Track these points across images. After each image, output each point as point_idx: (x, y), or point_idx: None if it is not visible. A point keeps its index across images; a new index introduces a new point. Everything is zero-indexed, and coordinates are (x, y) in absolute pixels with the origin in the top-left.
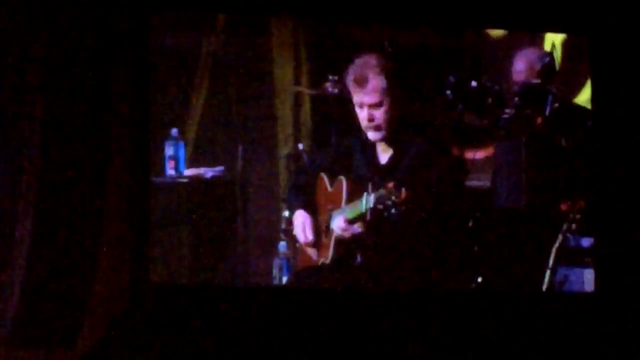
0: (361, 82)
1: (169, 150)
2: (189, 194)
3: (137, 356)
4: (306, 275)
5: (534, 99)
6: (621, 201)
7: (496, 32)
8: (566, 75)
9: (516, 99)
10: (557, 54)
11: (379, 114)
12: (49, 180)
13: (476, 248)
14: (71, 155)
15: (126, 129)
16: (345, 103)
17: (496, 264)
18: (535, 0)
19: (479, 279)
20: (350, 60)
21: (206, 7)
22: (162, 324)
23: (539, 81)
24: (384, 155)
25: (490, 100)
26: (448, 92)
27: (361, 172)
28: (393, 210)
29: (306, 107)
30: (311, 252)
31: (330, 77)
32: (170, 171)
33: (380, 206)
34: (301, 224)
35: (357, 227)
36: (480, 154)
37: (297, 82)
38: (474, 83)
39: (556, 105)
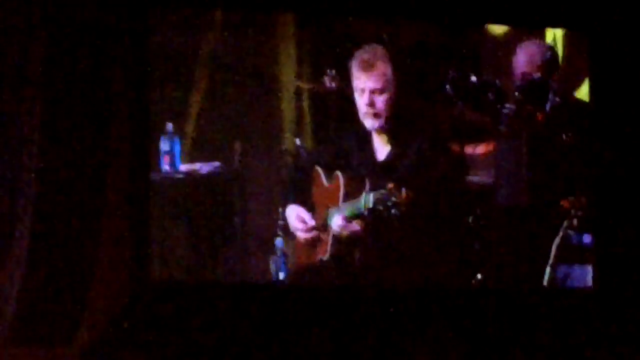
0: (367, 66)
1: (164, 146)
2: (185, 190)
3: (136, 354)
4: (304, 272)
5: (535, 94)
6: (620, 198)
7: (496, 31)
8: (568, 69)
9: (517, 94)
10: (559, 47)
11: (380, 101)
12: (49, 179)
13: (476, 245)
14: (71, 154)
15: (125, 127)
16: (343, 98)
17: (497, 261)
18: None
19: (479, 276)
20: (355, 47)
21: (204, 3)
22: (161, 322)
23: (540, 76)
24: (382, 150)
25: (490, 95)
26: (448, 87)
27: (358, 167)
28: (393, 211)
29: (304, 102)
30: (309, 245)
31: (329, 72)
32: (166, 166)
33: (380, 206)
34: (296, 215)
35: (356, 225)
36: (480, 150)
37: (295, 76)
38: (474, 78)
39: (557, 100)
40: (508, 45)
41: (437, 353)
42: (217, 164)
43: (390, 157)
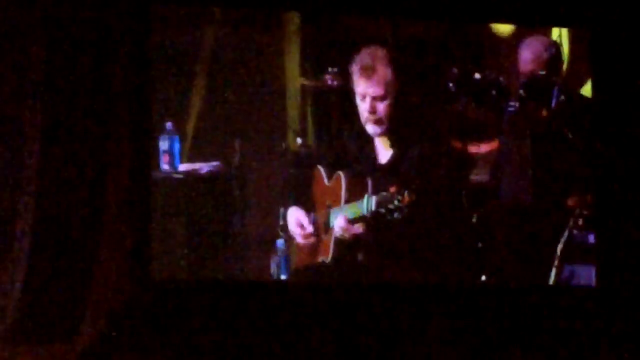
0: (368, 72)
1: (163, 145)
2: (184, 190)
3: (136, 352)
4: (305, 273)
5: (540, 91)
6: (622, 197)
7: (500, 28)
8: (573, 65)
9: (521, 91)
10: (564, 44)
11: (382, 107)
12: (50, 178)
13: (480, 245)
14: (71, 153)
15: (126, 126)
16: (345, 96)
17: (501, 261)
18: None
19: (483, 277)
20: (355, 50)
21: (205, 1)
22: (162, 320)
23: (544, 72)
24: (384, 153)
25: (494, 92)
26: (451, 84)
27: (360, 168)
28: (395, 215)
29: (305, 100)
30: (310, 248)
31: (330, 69)
32: (165, 166)
33: (382, 210)
34: (295, 219)
35: (358, 227)
36: (484, 148)
37: (296, 75)
38: (477, 75)
39: (562, 97)
40: (512, 42)
41: (441, 354)
42: (216, 163)
43: (393, 160)
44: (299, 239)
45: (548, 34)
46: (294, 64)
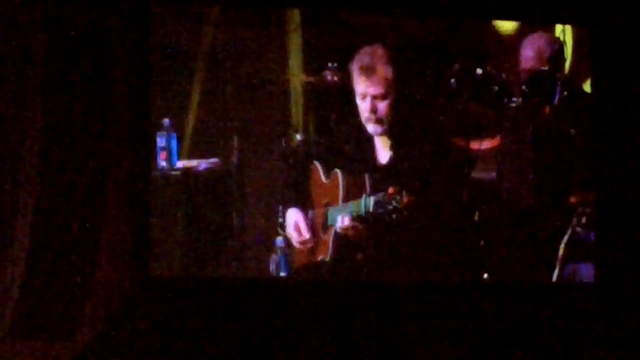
0: (368, 71)
1: (160, 142)
2: (182, 187)
3: (136, 349)
4: (305, 273)
5: (542, 88)
6: (622, 196)
7: (502, 23)
8: (576, 62)
9: (523, 87)
10: (567, 39)
11: (383, 107)
12: (49, 175)
13: (482, 243)
14: (71, 150)
15: (126, 123)
16: (344, 92)
17: (503, 259)
18: None
19: (485, 276)
20: (354, 49)
21: None
22: (162, 317)
23: (547, 68)
24: (384, 153)
25: (496, 88)
26: (452, 80)
27: (358, 166)
28: (394, 216)
29: (304, 96)
30: (307, 250)
31: (330, 65)
32: (162, 163)
33: (380, 210)
34: (294, 222)
35: (360, 226)
36: (486, 145)
37: (296, 71)
38: (479, 71)
39: (565, 93)
40: (514, 38)
41: (441, 353)
42: (215, 160)
43: (393, 161)
44: (295, 244)
45: (551, 30)
46: (293, 60)
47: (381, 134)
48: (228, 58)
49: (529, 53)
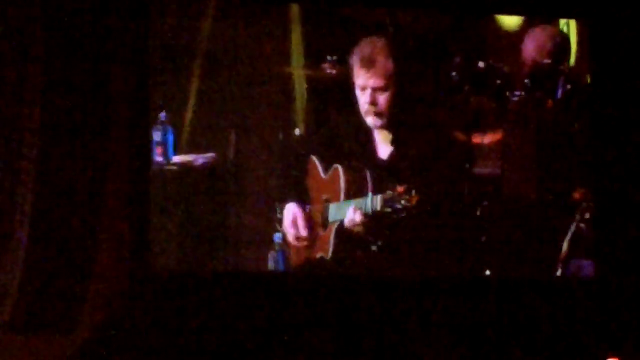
0: (368, 63)
1: (156, 136)
2: (178, 182)
3: (136, 343)
4: (303, 269)
5: (545, 81)
6: (620, 192)
7: (505, 19)
8: (580, 55)
9: (526, 80)
10: (571, 32)
11: (383, 99)
12: (48, 169)
13: (484, 238)
14: (70, 143)
15: (125, 117)
16: (343, 85)
17: (505, 255)
18: None
19: (487, 272)
20: (355, 41)
21: None
22: (161, 311)
23: (550, 61)
24: (384, 147)
25: (498, 81)
26: (454, 73)
27: (358, 161)
28: (403, 214)
29: (303, 90)
30: (303, 247)
31: (329, 58)
32: (158, 158)
33: (388, 209)
34: (292, 218)
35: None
36: (488, 139)
37: (295, 64)
38: (481, 64)
39: (568, 87)
40: (516, 30)
41: (443, 347)
42: (211, 155)
43: (393, 156)
44: (291, 240)
45: (554, 22)
46: (292, 53)
47: (381, 127)
48: (226, 52)
49: (532, 46)
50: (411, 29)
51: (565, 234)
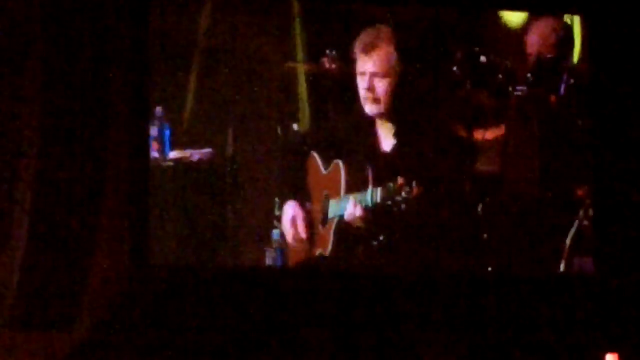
0: (369, 48)
1: (152, 132)
2: (175, 177)
3: (135, 339)
4: (302, 265)
5: (548, 76)
6: (619, 189)
7: (508, 13)
8: (584, 50)
9: (529, 75)
10: (575, 28)
11: (381, 86)
12: (47, 165)
13: (485, 235)
14: (70, 140)
15: (124, 114)
16: (343, 80)
17: (506, 252)
18: None
19: (489, 269)
20: (355, 35)
21: None
22: (159, 306)
23: (553, 56)
24: (386, 141)
25: (500, 76)
26: (455, 68)
27: (359, 155)
28: (403, 207)
29: (302, 85)
30: (303, 246)
31: (328, 52)
32: (154, 153)
33: (389, 202)
34: (291, 217)
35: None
36: (490, 135)
37: (293, 59)
38: (483, 58)
39: (572, 82)
40: (520, 23)
41: (443, 343)
42: (208, 150)
43: (395, 149)
44: (290, 239)
45: (558, 17)
46: (291, 48)
47: (379, 117)
48: (224, 46)
49: (535, 40)
50: (412, 24)
51: (567, 230)
